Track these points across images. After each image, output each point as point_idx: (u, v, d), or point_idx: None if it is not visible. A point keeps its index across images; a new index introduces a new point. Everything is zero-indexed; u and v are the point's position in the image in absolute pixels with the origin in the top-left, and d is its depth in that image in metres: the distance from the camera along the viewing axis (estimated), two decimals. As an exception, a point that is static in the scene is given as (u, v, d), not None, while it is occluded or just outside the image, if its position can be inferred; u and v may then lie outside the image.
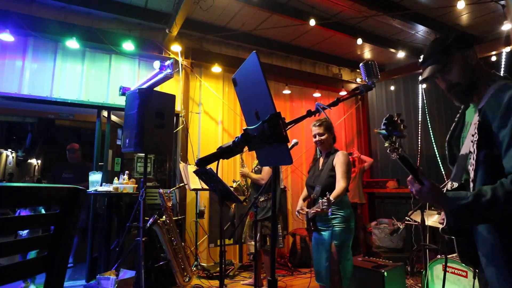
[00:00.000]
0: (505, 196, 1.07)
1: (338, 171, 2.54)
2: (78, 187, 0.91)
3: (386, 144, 1.18)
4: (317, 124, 2.70)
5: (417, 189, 1.19)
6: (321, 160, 2.75)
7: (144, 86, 3.44)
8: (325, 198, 2.23)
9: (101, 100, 4.36)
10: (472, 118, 1.29)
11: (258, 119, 1.11)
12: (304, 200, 2.84)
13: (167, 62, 3.25)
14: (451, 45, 1.29)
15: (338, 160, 2.58)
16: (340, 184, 2.49)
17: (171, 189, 4.03)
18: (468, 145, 1.26)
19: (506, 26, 4.37)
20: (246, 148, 1.13)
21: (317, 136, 2.69)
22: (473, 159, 1.20)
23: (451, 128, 1.44)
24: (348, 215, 2.53)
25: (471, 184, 1.22)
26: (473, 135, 1.22)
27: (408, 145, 6.15)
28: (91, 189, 3.87)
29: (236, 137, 1.09)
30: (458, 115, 1.44)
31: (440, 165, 5.09)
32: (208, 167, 2.47)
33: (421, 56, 1.37)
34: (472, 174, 1.22)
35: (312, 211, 2.40)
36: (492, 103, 1.19)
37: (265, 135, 1.03)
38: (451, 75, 1.29)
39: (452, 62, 1.28)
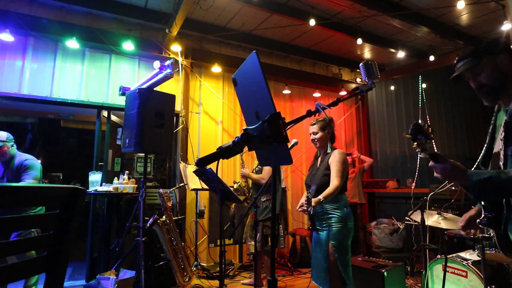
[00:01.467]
0: None
1: (333, 169, 2.52)
2: (78, 187, 0.91)
3: (414, 146, 1.32)
4: (312, 123, 2.70)
5: (442, 167, 1.30)
6: (319, 159, 2.74)
7: (144, 86, 3.43)
8: (306, 197, 2.28)
9: (101, 100, 4.36)
10: (502, 120, 1.41)
11: (258, 119, 1.11)
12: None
13: (167, 62, 3.25)
14: (483, 49, 1.41)
15: (334, 159, 2.56)
16: (333, 182, 2.46)
17: (171, 189, 4.03)
18: (499, 144, 1.38)
19: (506, 26, 4.37)
20: (246, 148, 1.13)
21: (312, 134, 2.70)
22: (502, 154, 1.33)
23: (489, 131, 1.54)
24: (345, 214, 2.49)
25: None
26: (501, 134, 1.36)
27: (408, 145, 6.16)
28: (91, 189, 3.88)
29: (236, 137, 1.09)
30: (493, 118, 1.54)
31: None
32: (208, 167, 2.47)
33: (457, 57, 1.50)
34: (501, 162, 1.34)
35: (300, 210, 2.44)
36: None
37: (265, 135, 1.03)
38: (481, 77, 1.40)
39: (482, 65, 1.39)
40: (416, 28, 4.76)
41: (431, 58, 5.40)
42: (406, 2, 4.27)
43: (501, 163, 1.34)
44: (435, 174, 1.35)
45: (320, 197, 2.38)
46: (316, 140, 2.68)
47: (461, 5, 3.92)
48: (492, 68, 1.39)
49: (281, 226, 3.72)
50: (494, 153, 1.44)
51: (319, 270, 2.52)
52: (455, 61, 1.50)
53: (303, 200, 2.72)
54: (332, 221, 2.48)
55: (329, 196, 2.40)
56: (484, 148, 1.55)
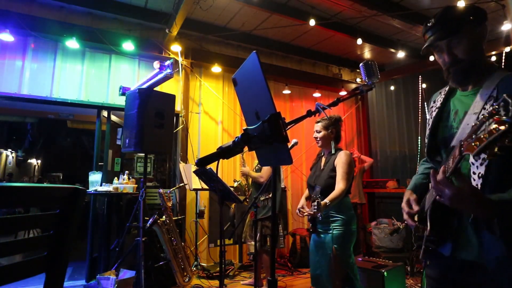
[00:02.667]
0: None
1: (339, 171, 2.46)
2: (78, 187, 0.91)
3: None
4: (317, 121, 2.66)
5: (456, 191, 0.97)
6: (323, 159, 2.69)
7: (144, 86, 3.44)
8: (316, 201, 2.21)
9: (101, 100, 4.36)
10: (465, 107, 1.19)
11: (258, 119, 1.11)
12: (307, 199, 2.77)
13: (167, 62, 3.26)
14: (466, 14, 1.16)
15: (340, 160, 2.50)
16: (339, 185, 2.41)
17: (171, 189, 4.03)
18: (465, 135, 1.14)
19: (506, 26, 4.37)
20: (246, 148, 1.13)
21: (315, 132, 2.66)
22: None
23: (434, 116, 1.30)
24: (348, 217, 2.46)
25: (479, 180, 1.09)
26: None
27: (408, 145, 6.16)
28: (91, 189, 3.88)
29: (236, 137, 1.09)
30: (440, 103, 1.31)
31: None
32: (208, 167, 2.47)
33: (430, 21, 1.22)
34: (480, 169, 1.09)
35: (305, 214, 2.37)
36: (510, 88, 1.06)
37: (265, 135, 1.03)
38: (458, 49, 1.17)
39: (463, 34, 1.15)
40: (416, 28, 4.75)
41: (431, 58, 5.40)
42: (406, 2, 4.28)
43: (477, 162, 1.08)
44: (438, 197, 1.03)
45: (327, 201, 2.31)
46: (318, 138, 2.64)
47: (461, 5, 3.92)
48: (472, 40, 1.15)
49: (280, 226, 3.72)
50: (453, 145, 1.17)
51: (320, 274, 2.47)
52: (428, 24, 1.23)
53: (302, 202, 2.65)
54: (336, 224, 2.43)
55: (335, 199, 2.35)
56: (427, 137, 1.31)
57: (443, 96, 1.33)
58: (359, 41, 4.88)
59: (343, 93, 6.16)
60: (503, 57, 4.87)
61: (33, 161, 14.98)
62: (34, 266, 0.84)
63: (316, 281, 2.51)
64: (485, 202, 0.99)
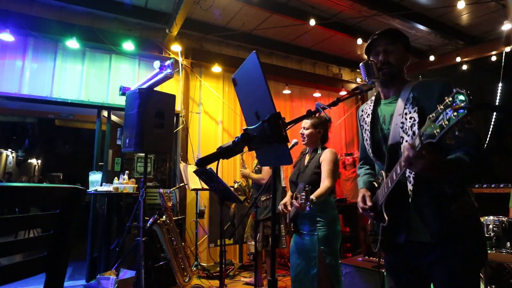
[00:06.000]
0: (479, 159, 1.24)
1: (324, 169, 2.40)
2: (78, 187, 0.91)
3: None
4: (307, 118, 2.53)
5: (433, 161, 1.10)
6: (307, 156, 2.62)
7: (144, 86, 3.44)
8: (304, 191, 2.09)
9: (101, 100, 4.36)
10: (390, 111, 1.47)
11: (258, 119, 1.11)
12: (291, 196, 2.67)
13: (167, 62, 3.25)
14: (403, 36, 1.51)
15: (325, 158, 2.44)
16: (325, 183, 2.34)
17: (171, 189, 4.03)
18: (397, 133, 1.37)
19: (506, 26, 4.38)
20: (246, 148, 1.13)
21: (302, 128, 2.60)
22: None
23: (370, 121, 1.55)
24: (333, 217, 2.40)
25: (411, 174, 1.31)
26: (403, 122, 1.35)
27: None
28: (91, 189, 3.88)
29: (236, 137, 1.09)
30: (371, 110, 1.58)
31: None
32: (208, 167, 2.47)
33: (377, 32, 1.52)
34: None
35: (292, 208, 2.25)
36: (424, 91, 1.36)
37: (265, 135, 1.03)
38: (391, 55, 1.46)
39: (397, 47, 1.48)
40: (416, 28, 4.75)
41: (431, 58, 5.40)
42: (406, 2, 4.27)
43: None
44: (410, 166, 1.15)
45: (312, 197, 2.21)
46: (304, 135, 2.58)
47: (461, 5, 3.92)
48: (401, 55, 1.49)
49: (282, 225, 3.72)
50: (390, 144, 1.41)
51: (304, 278, 2.39)
52: (376, 32, 1.53)
53: (286, 199, 2.57)
54: (320, 225, 2.36)
55: (321, 196, 2.27)
56: (369, 138, 1.53)
57: (371, 105, 1.60)
58: (359, 41, 4.88)
59: (343, 93, 6.16)
60: (503, 57, 4.87)
61: (33, 161, 14.98)
62: (34, 266, 0.84)
63: (297, 284, 2.43)
64: (444, 163, 1.18)
